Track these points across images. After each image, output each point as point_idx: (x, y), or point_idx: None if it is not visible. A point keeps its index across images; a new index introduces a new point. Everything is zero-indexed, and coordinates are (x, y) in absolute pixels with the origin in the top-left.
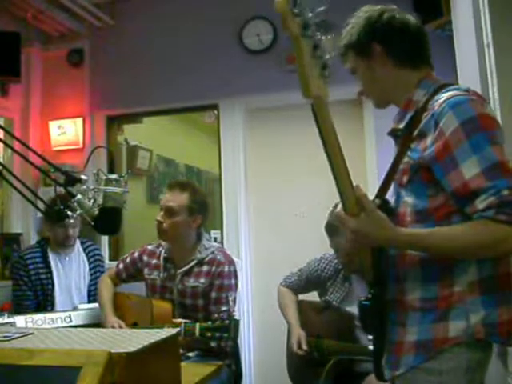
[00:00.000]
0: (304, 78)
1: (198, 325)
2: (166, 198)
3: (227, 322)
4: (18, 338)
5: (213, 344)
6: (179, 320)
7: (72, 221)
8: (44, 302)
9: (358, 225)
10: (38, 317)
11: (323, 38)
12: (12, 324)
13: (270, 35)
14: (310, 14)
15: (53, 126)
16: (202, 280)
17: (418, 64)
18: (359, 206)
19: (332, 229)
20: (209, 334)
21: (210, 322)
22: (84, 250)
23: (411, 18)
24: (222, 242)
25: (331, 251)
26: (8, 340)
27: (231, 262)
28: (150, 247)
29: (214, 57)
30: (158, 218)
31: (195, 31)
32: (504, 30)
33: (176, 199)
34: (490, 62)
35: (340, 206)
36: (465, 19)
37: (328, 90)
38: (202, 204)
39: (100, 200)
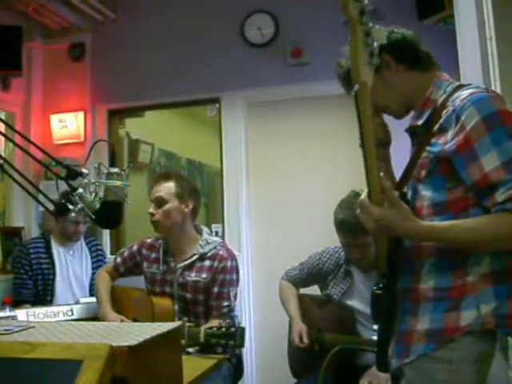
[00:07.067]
0: (356, 62)
1: (202, 330)
2: (154, 190)
3: (233, 329)
4: (19, 331)
5: (218, 351)
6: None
7: (82, 217)
8: (44, 292)
9: (382, 214)
10: (40, 310)
11: (374, 26)
12: (13, 317)
13: (271, 29)
14: (366, 1)
15: (54, 119)
16: (204, 275)
17: (428, 66)
18: (384, 195)
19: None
20: (214, 341)
21: (215, 328)
22: (87, 244)
23: (406, 30)
24: (223, 236)
25: (332, 245)
26: (9, 333)
27: (233, 257)
28: (149, 240)
29: (215, 50)
30: (150, 210)
31: (197, 25)
32: (507, 22)
33: (163, 189)
34: (493, 56)
35: (364, 194)
36: (467, 12)
37: (372, 76)
38: (190, 188)
39: (101, 194)
